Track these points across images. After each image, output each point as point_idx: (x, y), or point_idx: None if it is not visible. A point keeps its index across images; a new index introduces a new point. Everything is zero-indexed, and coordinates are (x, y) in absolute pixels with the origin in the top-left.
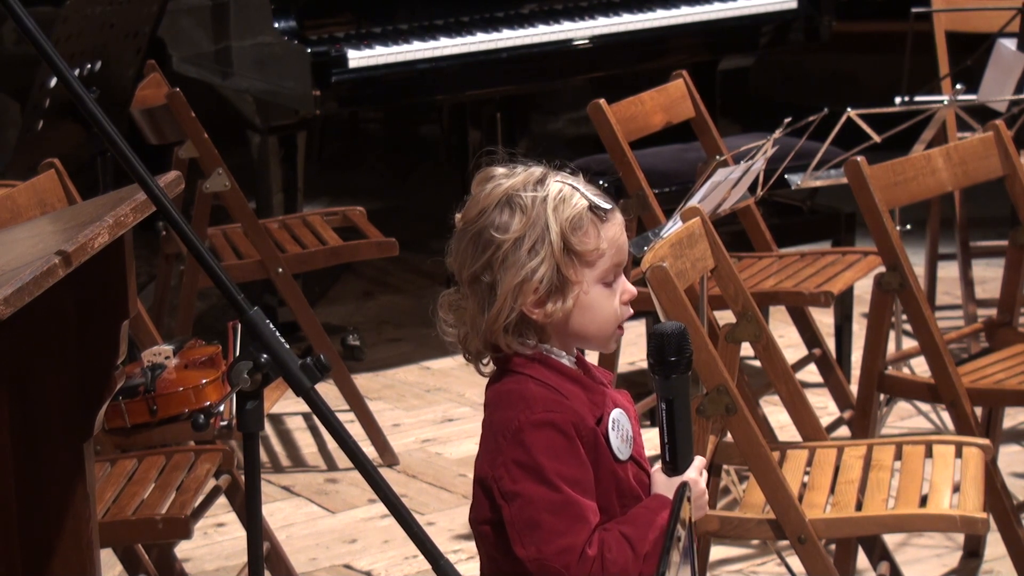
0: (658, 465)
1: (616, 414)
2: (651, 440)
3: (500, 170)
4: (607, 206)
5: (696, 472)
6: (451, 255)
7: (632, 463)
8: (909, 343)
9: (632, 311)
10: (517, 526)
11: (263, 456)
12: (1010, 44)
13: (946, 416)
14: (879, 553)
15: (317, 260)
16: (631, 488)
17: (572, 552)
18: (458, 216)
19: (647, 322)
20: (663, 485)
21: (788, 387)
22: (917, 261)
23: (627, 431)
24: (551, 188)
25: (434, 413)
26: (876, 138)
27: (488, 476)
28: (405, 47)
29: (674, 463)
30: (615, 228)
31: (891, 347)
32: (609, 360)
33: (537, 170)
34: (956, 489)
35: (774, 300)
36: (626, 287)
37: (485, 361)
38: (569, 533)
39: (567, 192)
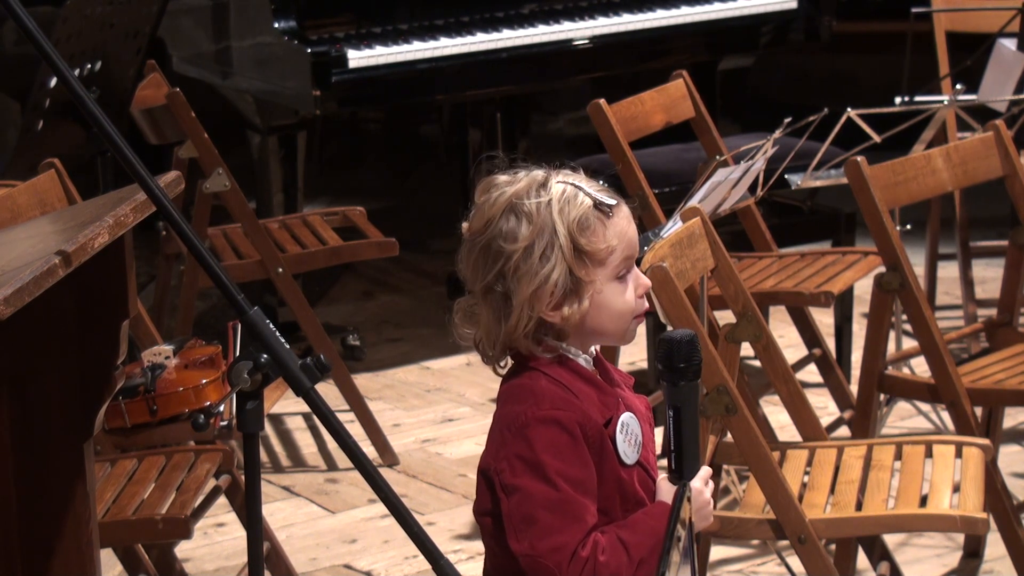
0: (665, 473)
1: (626, 418)
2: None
3: (502, 177)
4: (612, 202)
5: (701, 482)
6: (461, 265)
7: (639, 468)
8: (909, 343)
9: (647, 304)
10: (513, 520)
11: (263, 456)
12: (1010, 44)
13: (946, 416)
14: (879, 553)
15: (317, 260)
16: (635, 493)
17: (564, 551)
18: (465, 226)
19: (647, 322)
20: (667, 493)
21: (788, 387)
22: (917, 261)
23: (636, 436)
24: (554, 190)
25: (434, 413)
26: (876, 138)
27: (491, 467)
28: (405, 47)
29: (679, 471)
30: (622, 222)
31: (891, 347)
32: (608, 359)
33: (539, 173)
34: (956, 489)
35: (774, 300)
36: (640, 280)
37: (503, 363)
38: (564, 532)
39: (571, 193)
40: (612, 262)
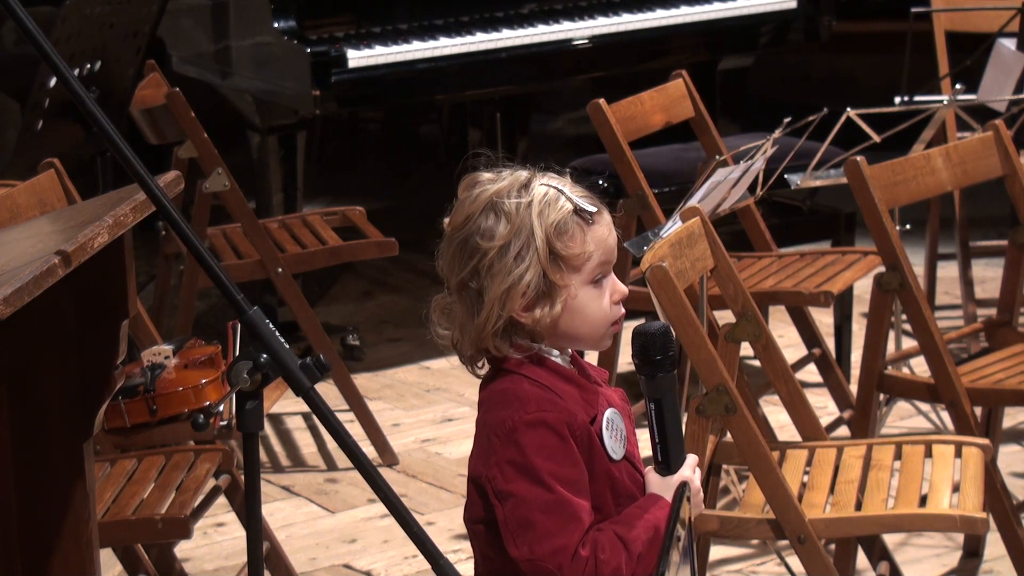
0: (652, 465)
1: (610, 414)
2: (645, 440)
3: (486, 175)
4: (592, 209)
5: (690, 470)
6: (440, 260)
7: (626, 462)
8: (909, 343)
9: (624, 310)
10: (510, 526)
11: (263, 456)
12: (1010, 44)
13: (946, 416)
14: (879, 553)
15: (317, 260)
16: (626, 487)
17: (565, 552)
18: (446, 221)
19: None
20: (657, 485)
21: (788, 387)
22: (917, 261)
23: (621, 431)
24: (536, 192)
25: (434, 413)
26: (876, 138)
27: (482, 475)
28: (405, 47)
29: (667, 462)
30: (602, 229)
31: (891, 347)
32: (609, 359)
33: (523, 174)
34: (956, 489)
35: (774, 300)
36: (616, 287)
37: (480, 364)
38: (562, 533)
39: (552, 196)
40: (587, 268)
